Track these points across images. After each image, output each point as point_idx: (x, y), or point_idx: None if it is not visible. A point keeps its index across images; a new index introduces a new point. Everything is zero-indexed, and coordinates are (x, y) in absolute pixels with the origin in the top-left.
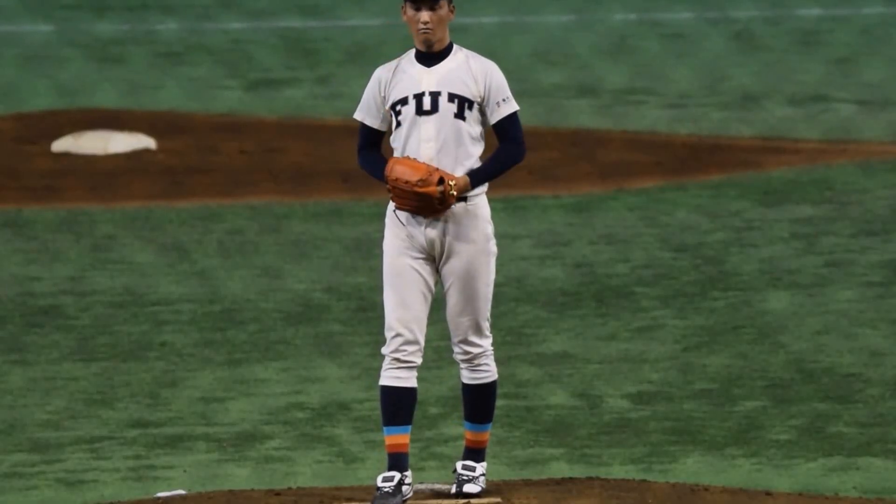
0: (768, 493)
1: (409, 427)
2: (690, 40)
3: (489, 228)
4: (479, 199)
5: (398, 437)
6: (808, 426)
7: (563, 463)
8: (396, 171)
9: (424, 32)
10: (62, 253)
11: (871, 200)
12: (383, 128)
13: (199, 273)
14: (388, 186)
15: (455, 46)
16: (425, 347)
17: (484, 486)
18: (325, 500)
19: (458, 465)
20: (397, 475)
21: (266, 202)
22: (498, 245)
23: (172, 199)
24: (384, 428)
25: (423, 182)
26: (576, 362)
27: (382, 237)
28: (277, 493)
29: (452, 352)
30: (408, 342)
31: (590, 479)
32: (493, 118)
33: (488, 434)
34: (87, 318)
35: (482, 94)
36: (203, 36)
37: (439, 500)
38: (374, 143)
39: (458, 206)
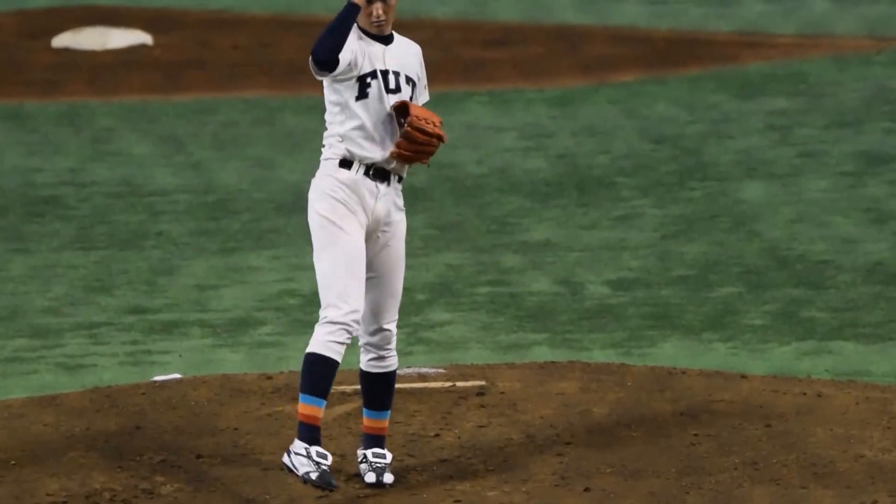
0: (743, 376)
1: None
2: None
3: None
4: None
5: (319, 410)
6: (782, 311)
7: (545, 347)
8: (417, 110)
9: (378, 25)
10: (62, 145)
11: (844, 93)
12: (340, 70)
13: (194, 164)
14: (408, 129)
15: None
16: (413, 236)
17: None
18: None
19: (368, 452)
20: (328, 456)
21: (259, 96)
22: (483, 137)
23: (168, 93)
24: (308, 396)
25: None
26: (558, 250)
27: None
28: (270, 377)
29: (362, 339)
30: (357, 320)
31: (571, 362)
32: (420, 100)
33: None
34: (87, 208)
35: (419, 77)
36: None
37: (426, 384)
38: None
39: (397, 183)
